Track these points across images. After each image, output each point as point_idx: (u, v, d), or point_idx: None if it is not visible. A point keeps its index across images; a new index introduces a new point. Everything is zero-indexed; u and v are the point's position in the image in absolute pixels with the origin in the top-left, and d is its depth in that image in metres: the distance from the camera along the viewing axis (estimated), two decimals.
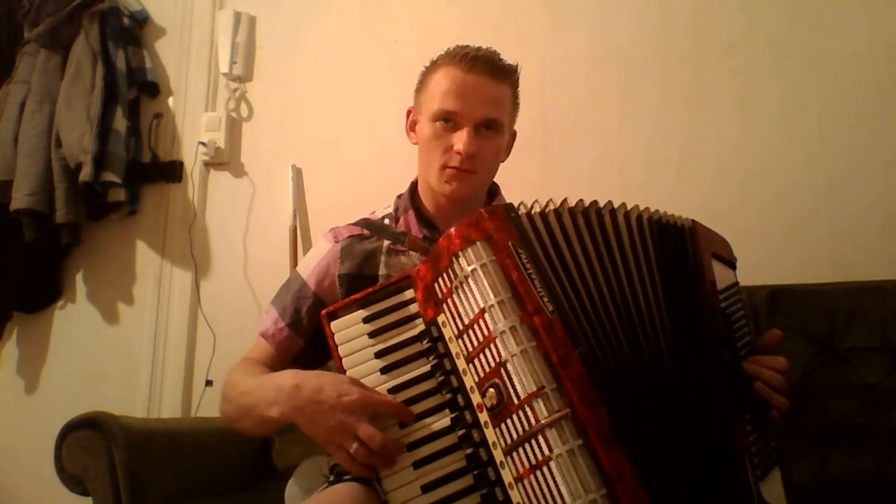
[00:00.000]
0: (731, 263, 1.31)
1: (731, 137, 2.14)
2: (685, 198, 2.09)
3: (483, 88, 1.31)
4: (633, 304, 1.06)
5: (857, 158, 2.02)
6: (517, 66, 1.38)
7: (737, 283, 1.29)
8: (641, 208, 1.16)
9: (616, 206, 1.13)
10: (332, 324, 1.10)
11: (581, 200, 1.10)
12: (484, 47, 1.35)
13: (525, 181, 2.10)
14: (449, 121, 1.31)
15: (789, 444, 1.65)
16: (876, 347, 1.73)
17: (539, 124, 2.28)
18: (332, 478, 1.21)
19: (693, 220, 1.23)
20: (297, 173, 2.51)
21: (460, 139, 1.29)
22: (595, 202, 1.11)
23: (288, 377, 1.11)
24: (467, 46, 1.34)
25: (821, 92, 2.08)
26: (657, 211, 1.19)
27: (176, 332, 2.52)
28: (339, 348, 1.09)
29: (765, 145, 2.11)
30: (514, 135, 1.46)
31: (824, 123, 2.06)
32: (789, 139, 2.09)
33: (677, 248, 1.18)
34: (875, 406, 1.70)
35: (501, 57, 1.36)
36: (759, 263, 2.00)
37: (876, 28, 2.05)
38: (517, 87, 1.39)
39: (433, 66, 1.37)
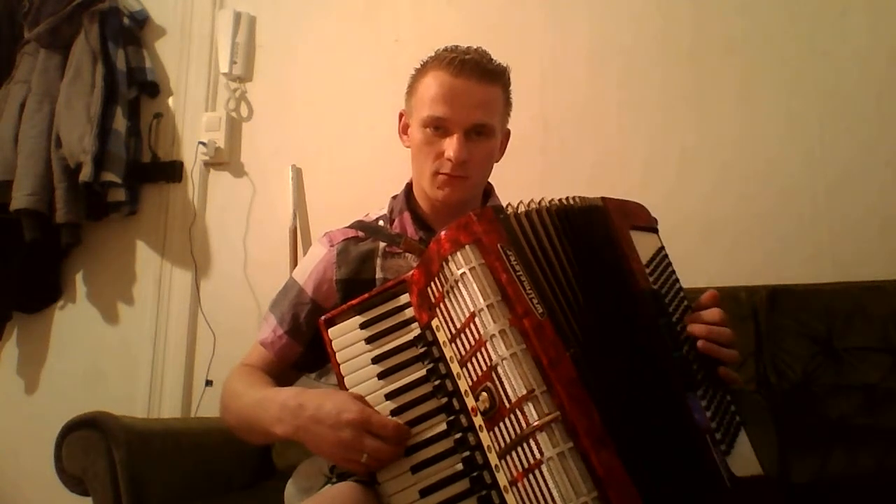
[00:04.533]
0: (652, 229, 1.25)
1: (732, 138, 2.14)
2: (685, 198, 2.09)
3: (472, 93, 1.29)
4: (608, 297, 1.07)
5: (857, 158, 2.02)
6: (507, 67, 1.36)
7: (662, 246, 1.23)
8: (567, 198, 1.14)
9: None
10: (330, 330, 1.11)
11: (553, 199, 1.11)
12: (474, 48, 1.34)
13: (525, 181, 2.10)
14: (439, 127, 1.30)
15: (789, 444, 1.66)
16: (876, 347, 1.74)
17: (539, 124, 2.28)
18: (333, 478, 1.22)
19: (603, 198, 1.19)
20: (297, 173, 2.52)
21: (451, 146, 1.28)
22: (565, 198, 1.12)
23: (292, 396, 1.11)
24: (456, 48, 1.33)
25: (821, 92, 2.08)
26: (573, 197, 1.16)
27: (176, 332, 2.52)
28: (337, 355, 1.09)
29: (765, 145, 2.10)
30: (507, 134, 1.44)
31: (825, 123, 2.06)
32: (790, 139, 2.09)
33: (601, 234, 1.15)
34: (875, 406, 1.70)
35: (491, 58, 1.34)
36: (759, 263, 2.01)
37: (876, 28, 2.05)
38: (508, 86, 1.38)
39: (422, 68, 1.36)
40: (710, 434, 1.03)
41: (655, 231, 1.26)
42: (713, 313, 1.12)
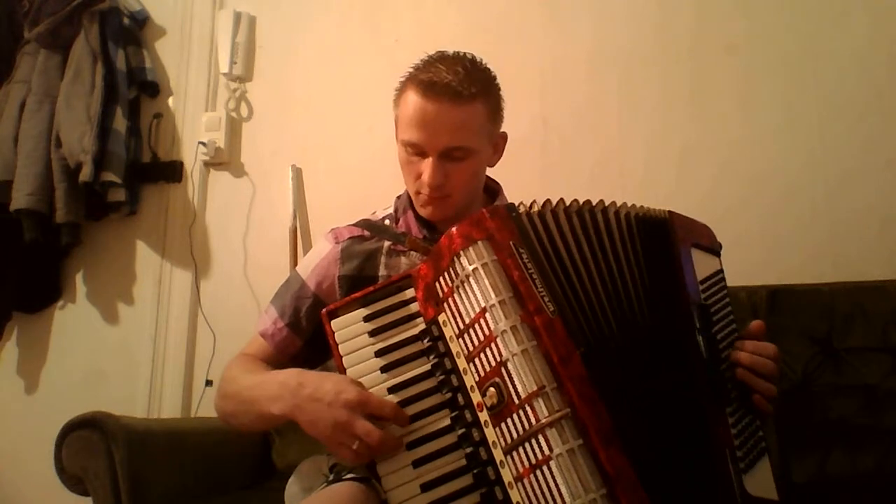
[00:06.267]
0: (713, 251, 1.29)
1: (732, 138, 2.14)
2: (685, 198, 2.07)
3: (444, 117, 1.24)
4: (627, 305, 1.08)
5: (857, 158, 2.02)
6: (491, 75, 1.32)
7: (720, 269, 1.27)
8: (622, 204, 1.16)
9: (607, 203, 1.14)
10: (333, 322, 1.10)
11: (575, 200, 1.11)
12: (461, 56, 1.30)
13: (525, 182, 2.10)
14: (416, 149, 1.28)
15: (789, 444, 1.66)
16: (876, 347, 1.74)
17: (539, 124, 2.28)
18: (331, 477, 1.21)
19: (670, 212, 1.23)
20: (297, 173, 2.51)
21: (426, 169, 1.27)
22: (588, 201, 1.12)
23: (293, 375, 1.12)
24: (434, 63, 1.28)
25: (821, 92, 2.08)
26: (637, 206, 1.18)
27: (176, 332, 2.52)
28: (340, 347, 1.09)
29: (765, 145, 2.11)
30: (504, 137, 1.41)
31: (824, 123, 2.06)
32: (790, 139, 2.09)
33: (661, 242, 1.18)
34: (875, 406, 1.70)
35: (470, 72, 1.27)
36: (759, 263, 2.01)
37: (876, 28, 2.06)
38: (493, 94, 1.33)
39: (403, 83, 1.32)
40: (730, 449, 1.04)
41: (717, 254, 1.29)
42: (764, 346, 1.14)
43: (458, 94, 1.24)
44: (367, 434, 0.99)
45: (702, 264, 1.21)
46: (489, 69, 1.34)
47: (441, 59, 1.30)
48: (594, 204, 1.12)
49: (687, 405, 1.05)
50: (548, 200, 1.09)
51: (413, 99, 1.26)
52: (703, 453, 1.03)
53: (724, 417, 1.08)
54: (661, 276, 1.14)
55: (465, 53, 1.32)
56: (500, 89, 1.36)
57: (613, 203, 1.15)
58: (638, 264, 1.12)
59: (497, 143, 1.40)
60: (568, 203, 1.10)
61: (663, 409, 1.02)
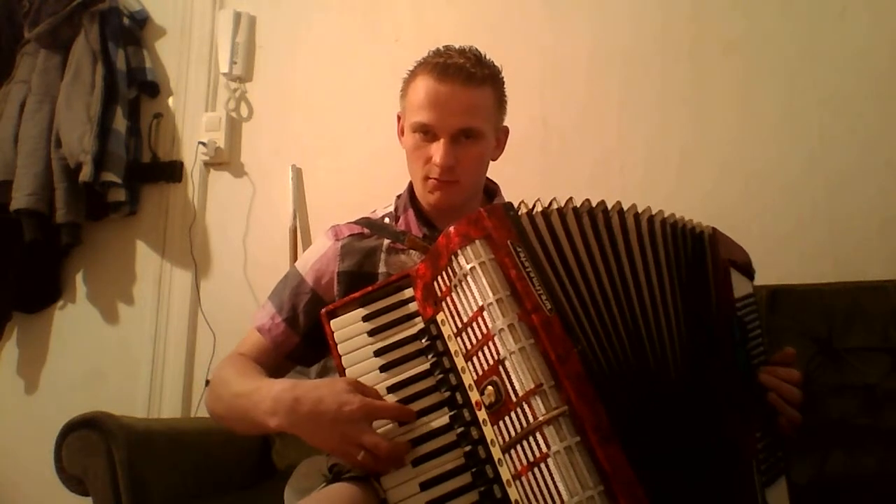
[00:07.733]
0: (748, 274, 1.30)
1: (732, 137, 2.14)
2: (686, 198, 2.09)
3: (457, 98, 1.28)
4: (639, 305, 1.07)
5: (857, 158, 2.02)
6: (498, 66, 1.36)
7: (753, 294, 1.28)
8: (645, 208, 1.17)
9: (626, 207, 1.14)
10: (332, 322, 1.10)
11: (587, 200, 1.11)
12: (466, 48, 1.34)
13: (525, 181, 2.10)
14: (427, 132, 1.31)
15: (789, 444, 1.66)
16: (876, 347, 1.73)
17: (539, 124, 2.28)
18: (330, 477, 1.21)
19: (714, 228, 1.24)
20: (297, 173, 2.52)
21: (437, 151, 1.29)
22: (602, 202, 1.12)
23: (287, 389, 1.07)
24: (445, 51, 1.33)
25: (821, 92, 2.08)
26: (675, 215, 1.19)
27: (176, 332, 2.52)
28: (339, 347, 1.09)
29: (765, 145, 2.11)
30: (506, 132, 1.44)
31: (824, 123, 2.06)
32: (790, 139, 2.09)
33: (695, 252, 1.18)
34: (875, 406, 1.69)
35: (481, 59, 1.33)
36: (759, 263, 1.98)
37: (877, 27, 2.05)
38: (501, 85, 1.37)
39: (413, 72, 1.36)
40: (756, 460, 1.06)
41: (751, 278, 1.30)
42: (791, 373, 1.15)
43: (471, 75, 1.29)
44: (375, 447, 0.97)
45: (736, 285, 1.23)
46: (494, 62, 1.37)
47: (450, 49, 1.34)
48: (610, 206, 1.12)
49: (711, 411, 1.06)
50: (554, 199, 1.09)
51: (425, 83, 1.30)
52: (728, 459, 1.04)
53: (753, 428, 1.09)
54: (696, 285, 1.15)
55: (471, 46, 1.36)
56: (504, 82, 1.38)
57: (649, 209, 1.16)
58: (658, 269, 1.12)
59: (500, 137, 1.43)
60: (579, 204, 1.10)
61: (680, 413, 1.02)
